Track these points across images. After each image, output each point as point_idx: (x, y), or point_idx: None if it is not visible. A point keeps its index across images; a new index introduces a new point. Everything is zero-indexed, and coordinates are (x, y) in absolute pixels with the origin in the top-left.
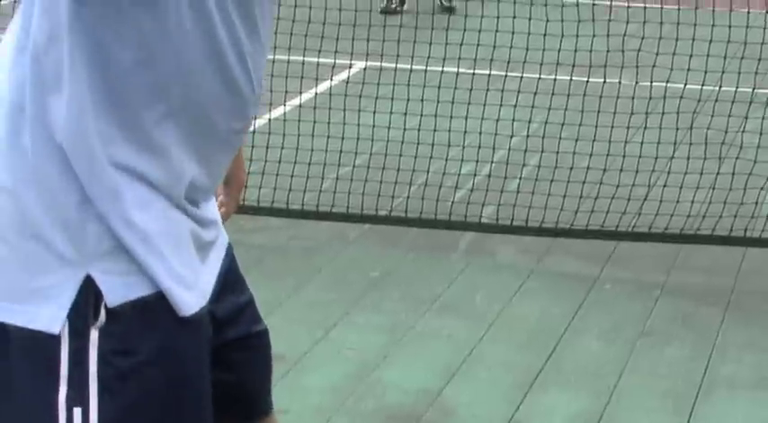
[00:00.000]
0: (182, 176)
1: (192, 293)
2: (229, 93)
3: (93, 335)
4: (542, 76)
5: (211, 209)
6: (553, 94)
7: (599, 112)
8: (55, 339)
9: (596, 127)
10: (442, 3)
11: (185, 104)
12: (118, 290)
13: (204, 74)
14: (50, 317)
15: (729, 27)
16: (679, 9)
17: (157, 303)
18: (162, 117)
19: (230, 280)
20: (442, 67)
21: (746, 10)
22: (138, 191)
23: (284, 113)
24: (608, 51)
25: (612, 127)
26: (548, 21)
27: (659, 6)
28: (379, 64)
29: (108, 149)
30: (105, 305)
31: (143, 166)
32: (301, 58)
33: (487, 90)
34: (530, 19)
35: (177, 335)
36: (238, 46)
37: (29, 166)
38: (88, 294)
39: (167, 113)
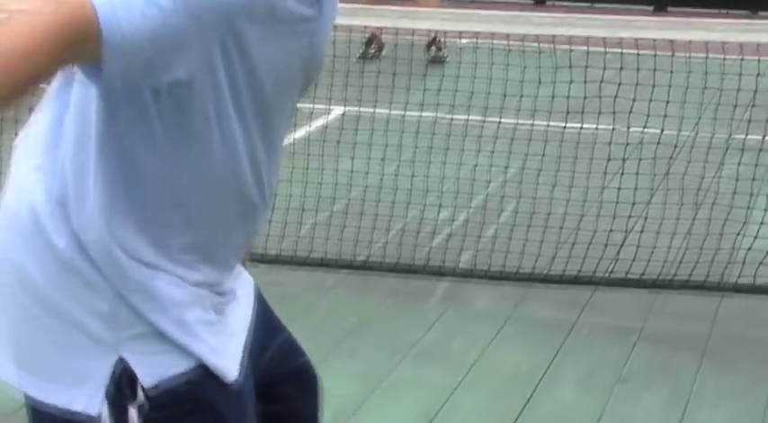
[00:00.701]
0: (198, 273)
1: (227, 359)
2: (244, 205)
3: (132, 414)
4: (520, 123)
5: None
6: (530, 140)
7: (576, 158)
8: (94, 420)
9: (573, 173)
10: (429, 53)
11: (203, 217)
12: (154, 369)
13: (223, 189)
14: (88, 397)
15: (705, 74)
16: (655, 55)
17: (195, 377)
18: (181, 226)
19: (267, 320)
20: (420, 113)
21: (722, 56)
22: (165, 280)
23: None
24: (585, 97)
25: (589, 173)
26: (525, 67)
27: (636, 52)
28: (357, 110)
29: (130, 249)
30: (142, 385)
31: (166, 264)
32: None
33: (465, 136)
34: (507, 65)
35: (218, 402)
36: (257, 162)
37: (63, 260)
38: (124, 374)
39: (186, 224)
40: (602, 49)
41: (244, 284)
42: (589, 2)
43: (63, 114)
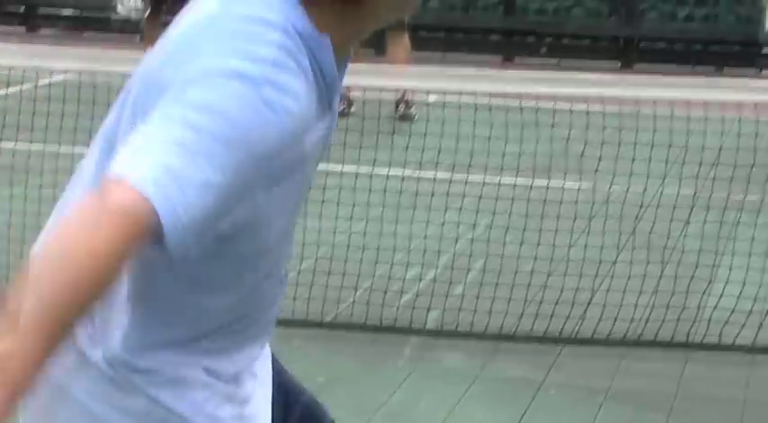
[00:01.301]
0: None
1: None
2: (272, 294)
3: None
4: (487, 180)
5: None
6: (498, 197)
7: (543, 215)
8: None
9: (540, 231)
10: (398, 110)
11: (241, 316)
12: None
13: (261, 289)
14: None
15: (671, 132)
16: (621, 113)
17: None
18: (220, 328)
19: (285, 389)
20: (389, 170)
21: (687, 114)
22: (199, 383)
23: None
24: (552, 156)
25: (557, 231)
26: (492, 124)
27: (602, 110)
28: (325, 167)
29: (161, 354)
30: None
31: (199, 362)
32: None
33: (433, 194)
34: (475, 122)
35: None
36: (286, 253)
37: (99, 370)
38: None
39: (225, 326)
40: (568, 107)
41: (264, 360)
42: (556, 57)
43: None
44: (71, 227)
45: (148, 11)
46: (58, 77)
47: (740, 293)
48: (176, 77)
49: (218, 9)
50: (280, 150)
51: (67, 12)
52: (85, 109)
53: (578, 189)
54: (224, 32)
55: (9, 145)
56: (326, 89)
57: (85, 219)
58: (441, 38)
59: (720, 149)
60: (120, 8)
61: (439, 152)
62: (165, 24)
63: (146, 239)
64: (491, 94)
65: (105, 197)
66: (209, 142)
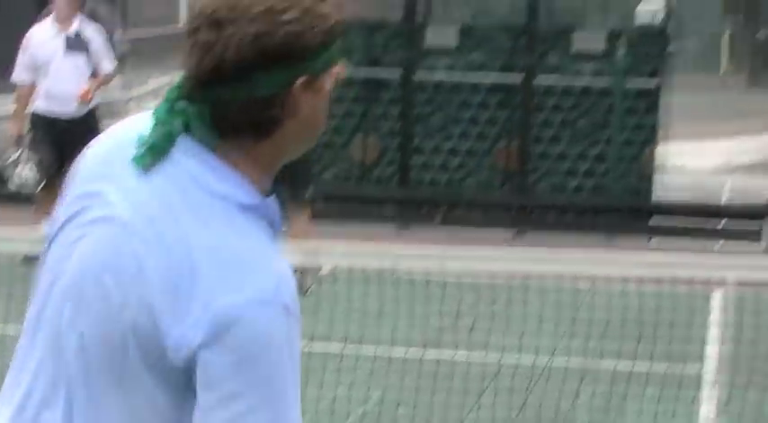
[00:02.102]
0: None
1: None
2: None
3: None
4: (378, 353)
5: None
6: (389, 371)
7: (434, 390)
8: None
9: (432, 405)
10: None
11: None
12: None
13: None
14: None
15: (559, 304)
16: (510, 287)
17: None
18: None
19: None
20: None
21: (574, 286)
22: None
23: None
24: (442, 328)
25: (447, 405)
26: (384, 297)
27: (492, 283)
28: None
29: None
30: None
31: None
32: None
33: (325, 368)
34: (366, 295)
35: None
36: None
37: None
38: None
39: None
40: (458, 280)
41: None
42: (450, 226)
43: None
44: None
45: (43, 183)
46: None
47: None
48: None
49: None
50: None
51: None
52: None
53: (468, 362)
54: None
55: None
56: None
57: None
58: (336, 208)
59: (608, 322)
60: (13, 180)
61: (331, 325)
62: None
63: None
64: (382, 270)
65: None
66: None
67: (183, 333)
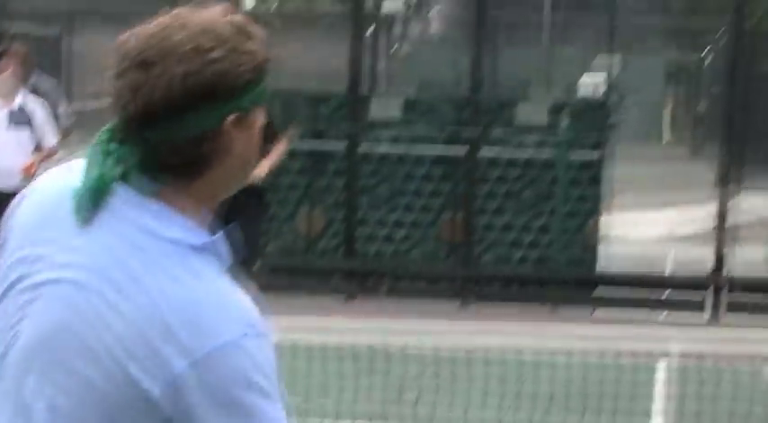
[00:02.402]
0: None
1: None
2: None
3: None
4: None
5: None
6: None
7: None
8: None
9: None
10: None
11: None
12: None
13: None
14: None
15: (503, 377)
16: (454, 360)
17: None
18: None
19: None
20: None
21: (518, 358)
22: None
23: None
24: (386, 401)
25: None
26: (327, 370)
27: (435, 356)
28: None
29: None
30: None
31: None
32: None
33: None
34: (309, 368)
35: None
36: None
37: None
38: None
39: None
40: (403, 352)
41: None
42: (394, 295)
43: None
44: None
45: None
46: None
47: None
48: None
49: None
50: None
51: None
52: None
53: None
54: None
55: None
56: None
57: None
58: (281, 280)
59: (552, 395)
60: None
61: None
62: None
63: None
64: (327, 343)
65: None
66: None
67: (165, 386)
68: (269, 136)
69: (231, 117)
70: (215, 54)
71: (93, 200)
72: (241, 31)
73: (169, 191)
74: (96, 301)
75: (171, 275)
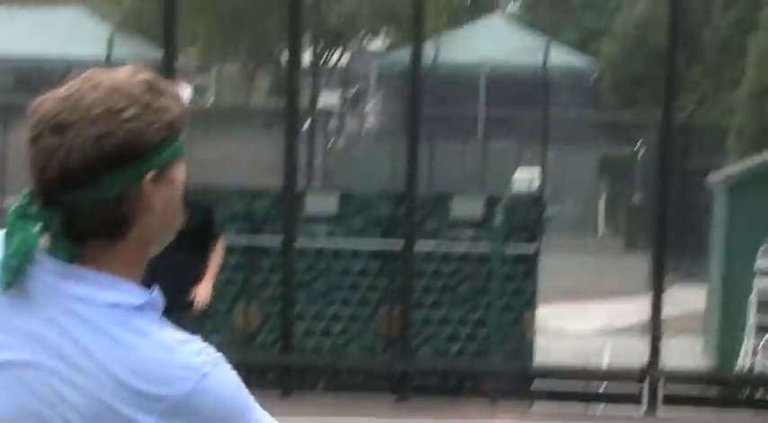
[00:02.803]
0: None
1: None
2: None
3: None
4: None
5: None
6: None
7: None
8: None
9: None
10: None
11: None
12: None
13: None
14: None
15: None
16: None
17: None
18: None
19: None
20: None
21: None
22: None
23: None
24: None
25: None
26: None
27: None
28: None
29: None
30: None
31: None
32: None
33: None
34: None
35: None
36: None
37: None
38: None
39: None
40: None
41: None
42: (333, 392)
43: None
44: None
45: None
46: None
47: None
48: None
49: None
50: None
51: None
52: None
53: None
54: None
55: None
56: None
57: None
58: None
59: None
60: None
61: None
62: None
63: None
64: None
65: None
66: None
67: None
68: (209, 239)
69: (149, 175)
70: (128, 114)
71: (17, 269)
72: (152, 88)
73: (96, 253)
74: (50, 380)
75: (119, 340)
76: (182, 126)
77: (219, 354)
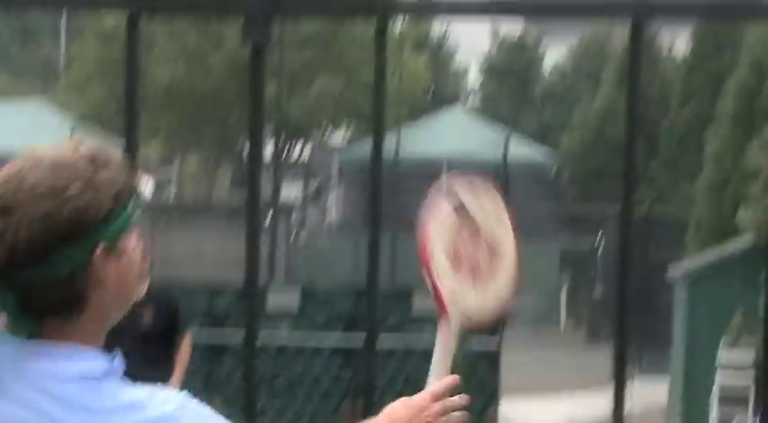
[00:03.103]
0: None
1: None
2: None
3: None
4: None
5: None
6: None
7: None
8: None
9: None
10: None
11: None
12: None
13: None
14: None
15: None
16: None
17: None
18: None
19: None
20: None
21: None
22: None
23: None
24: None
25: None
26: None
27: None
28: None
29: None
30: None
31: None
32: None
33: None
34: None
35: None
36: None
37: None
38: None
39: None
40: None
41: None
42: None
43: None
44: None
45: None
46: None
47: None
48: None
49: None
50: None
51: None
52: None
53: None
54: None
55: None
56: None
57: None
58: None
59: None
60: None
61: None
62: None
63: None
64: None
65: None
66: None
67: None
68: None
69: (99, 249)
70: (71, 191)
71: None
72: (95, 162)
73: (55, 327)
74: None
75: (93, 410)
76: (129, 196)
77: (183, 392)
